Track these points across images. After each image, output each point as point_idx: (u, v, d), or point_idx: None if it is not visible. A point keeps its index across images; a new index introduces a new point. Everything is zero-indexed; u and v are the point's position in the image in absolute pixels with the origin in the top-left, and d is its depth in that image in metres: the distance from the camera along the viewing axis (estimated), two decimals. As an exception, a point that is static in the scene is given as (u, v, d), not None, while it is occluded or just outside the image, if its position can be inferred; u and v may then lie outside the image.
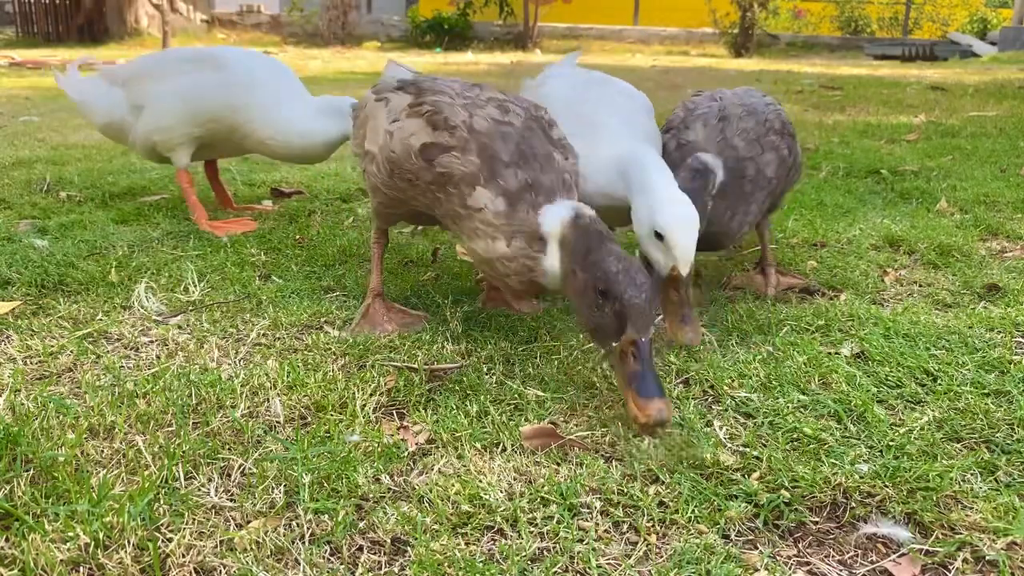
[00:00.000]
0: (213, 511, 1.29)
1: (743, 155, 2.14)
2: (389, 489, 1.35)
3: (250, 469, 1.39)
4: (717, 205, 2.05)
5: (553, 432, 1.52)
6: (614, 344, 1.51)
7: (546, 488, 1.34)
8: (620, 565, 1.19)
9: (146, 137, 2.83)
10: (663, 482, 1.37)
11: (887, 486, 1.35)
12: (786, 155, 2.23)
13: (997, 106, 6.17)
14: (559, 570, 1.17)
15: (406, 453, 1.45)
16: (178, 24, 13.62)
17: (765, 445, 1.48)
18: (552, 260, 1.66)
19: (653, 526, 1.27)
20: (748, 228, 2.16)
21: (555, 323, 2.03)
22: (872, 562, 1.22)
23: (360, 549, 1.22)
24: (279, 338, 1.94)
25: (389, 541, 1.23)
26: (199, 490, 1.33)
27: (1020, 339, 1.98)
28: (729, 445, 1.49)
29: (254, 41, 14.73)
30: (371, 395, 1.65)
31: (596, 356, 1.82)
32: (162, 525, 1.23)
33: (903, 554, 1.23)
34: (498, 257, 1.71)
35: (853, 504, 1.33)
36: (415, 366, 1.77)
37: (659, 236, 1.77)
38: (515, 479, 1.38)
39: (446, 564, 1.17)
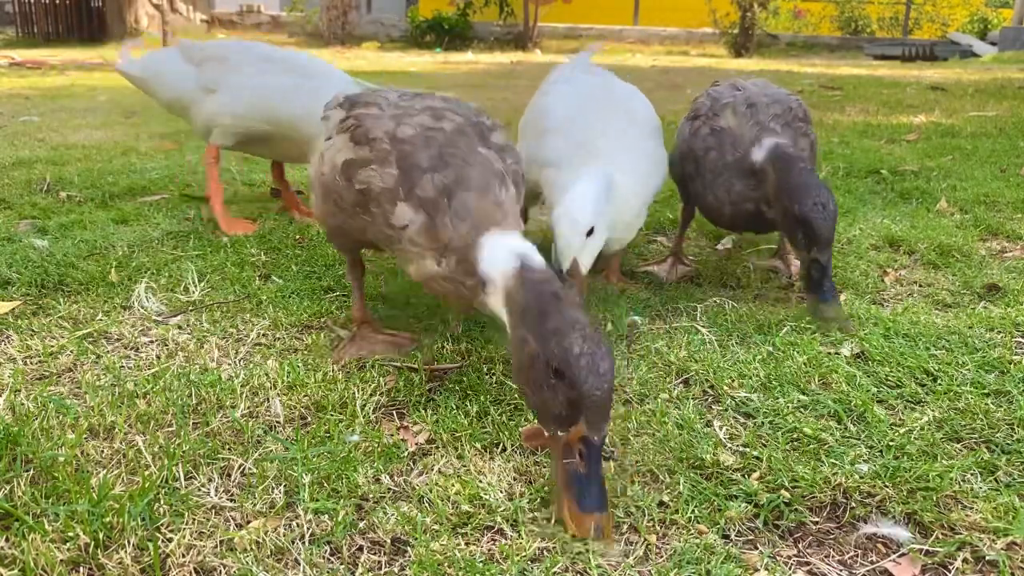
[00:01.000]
0: (213, 511, 1.29)
1: (782, 140, 2.17)
2: (389, 489, 1.35)
3: (250, 469, 1.39)
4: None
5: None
6: (559, 432, 1.26)
7: (546, 488, 1.34)
8: (620, 565, 1.19)
9: (210, 119, 2.83)
10: (663, 482, 1.37)
11: (887, 486, 1.35)
12: (814, 141, 2.29)
13: (997, 106, 6.17)
14: (559, 570, 1.17)
15: (406, 453, 1.45)
16: (178, 24, 13.62)
17: (765, 445, 1.48)
18: (496, 304, 1.46)
19: (653, 526, 1.27)
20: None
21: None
22: (872, 562, 1.22)
23: (360, 549, 1.22)
24: (279, 338, 1.94)
25: (389, 541, 1.23)
26: (199, 490, 1.33)
27: (1020, 339, 1.98)
28: (729, 445, 1.49)
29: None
30: (371, 395, 1.65)
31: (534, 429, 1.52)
32: (162, 525, 1.23)
33: (903, 554, 1.23)
34: (431, 276, 1.57)
35: (853, 504, 1.33)
36: (415, 366, 1.77)
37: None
38: (515, 479, 1.38)
39: (446, 564, 1.17)
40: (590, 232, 1.86)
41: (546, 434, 1.29)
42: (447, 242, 1.53)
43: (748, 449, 1.46)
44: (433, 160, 1.58)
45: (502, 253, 1.45)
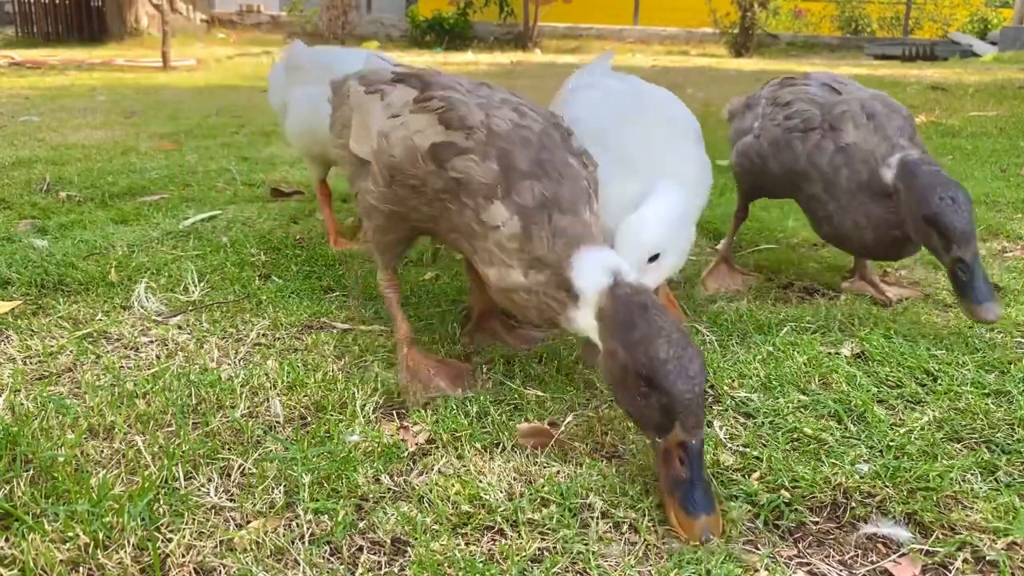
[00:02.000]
0: (213, 511, 1.29)
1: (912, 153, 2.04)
2: (389, 489, 1.35)
3: (250, 469, 1.39)
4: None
5: (549, 433, 1.52)
6: (658, 440, 1.29)
7: (546, 488, 1.34)
8: (620, 565, 1.18)
9: (287, 136, 2.69)
10: (663, 482, 1.37)
11: (887, 486, 1.35)
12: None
13: (997, 106, 6.17)
14: (559, 570, 1.17)
15: (406, 453, 1.45)
16: (178, 24, 13.62)
17: (765, 445, 1.48)
18: (586, 321, 1.44)
19: (653, 526, 1.27)
20: None
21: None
22: (872, 562, 1.22)
23: (360, 549, 1.22)
24: (279, 338, 1.94)
25: (389, 541, 1.23)
26: (199, 490, 1.33)
27: (1020, 339, 1.98)
28: (729, 445, 1.49)
29: (254, 41, 14.73)
30: (371, 395, 1.65)
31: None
32: (162, 525, 1.23)
33: (903, 554, 1.23)
34: (514, 288, 1.51)
35: (853, 504, 1.33)
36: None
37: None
38: (515, 479, 1.38)
39: (446, 564, 1.17)
40: (654, 257, 1.63)
41: (647, 442, 1.36)
42: (540, 256, 1.48)
43: (748, 449, 1.46)
44: (531, 165, 1.53)
45: (596, 270, 1.44)
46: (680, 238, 1.68)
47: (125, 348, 1.89)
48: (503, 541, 1.23)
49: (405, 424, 1.57)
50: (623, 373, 1.32)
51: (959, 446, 1.49)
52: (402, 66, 1.92)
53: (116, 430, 1.48)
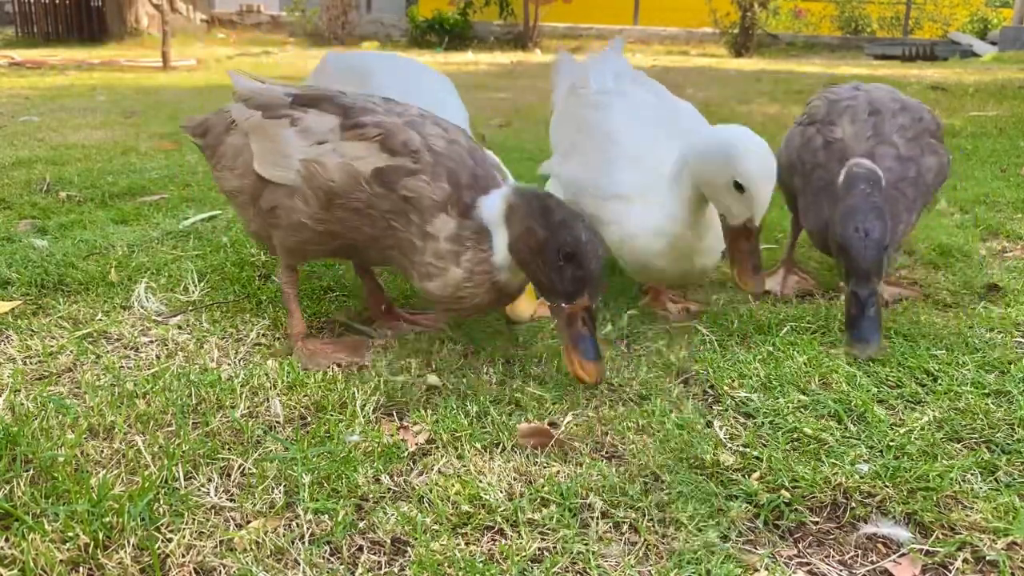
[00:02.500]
0: (213, 511, 1.29)
1: (904, 154, 1.97)
2: (389, 489, 1.35)
3: (250, 469, 1.39)
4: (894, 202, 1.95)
5: (548, 433, 1.52)
6: (564, 305, 1.59)
7: (546, 488, 1.34)
8: (620, 565, 1.18)
9: None
10: (664, 482, 1.37)
11: (887, 486, 1.35)
12: (945, 163, 2.04)
13: (997, 106, 6.17)
14: (559, 570, 1.17)
15: (406, 453, 1.45)
16: (178, 24, 13.61)
17: (765, 445, 1.48)
18: (501, 252, 1.64)
19: (653, 526, 1.27)
20: (901, 242, 2.03)
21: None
22: (872, 562, 1.22)
23: (360, 549, 1.22)
24: (279, 338, 1.94)
25: (389, 541, 1.23)
26: (199, 490, 1.33)
27: (1020, 339, 1.98)
28: (729, 445, 1.49)
29: (254, 41, 14.73)
30: (371, 395, 1.65)
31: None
32: (162, 525, 1.23)
33: (903, 554, 1.23)
34: (457, 285, 1.66)
35: (853, 504, 1.33)
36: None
37: (739, 187, 1.72)
38: (515, 479, 1.38)
39: (446, 564, 1.17)
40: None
41: (549, 306, 1.64)
42: (464, 240, 1.65)
43: (748, 449, 1.46)
44: (471, 179, 1.69)
45: (493, 196, 1.67)
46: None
47: (125, 348, 1.89)
48: (503, 541, 1.23)
49: (405, 424, 1.57)
50: (541, 248, 1.57)
51: (959, 446, 1.49)
52: (280, 84, 1.96)
53: (116, 430, 1.48)
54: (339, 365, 1.77)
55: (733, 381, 1.72)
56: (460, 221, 1.66)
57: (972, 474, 1.39)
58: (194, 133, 2.02)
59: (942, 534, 1.26)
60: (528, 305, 1.94)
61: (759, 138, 1.76)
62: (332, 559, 1.20)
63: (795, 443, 1.49)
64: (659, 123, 2.05)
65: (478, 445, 1.47)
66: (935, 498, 1.32)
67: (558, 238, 1.56)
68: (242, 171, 1.84)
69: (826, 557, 1.23)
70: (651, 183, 1.91)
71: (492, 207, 1.65)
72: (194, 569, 1.16)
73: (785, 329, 2.00)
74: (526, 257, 1.61)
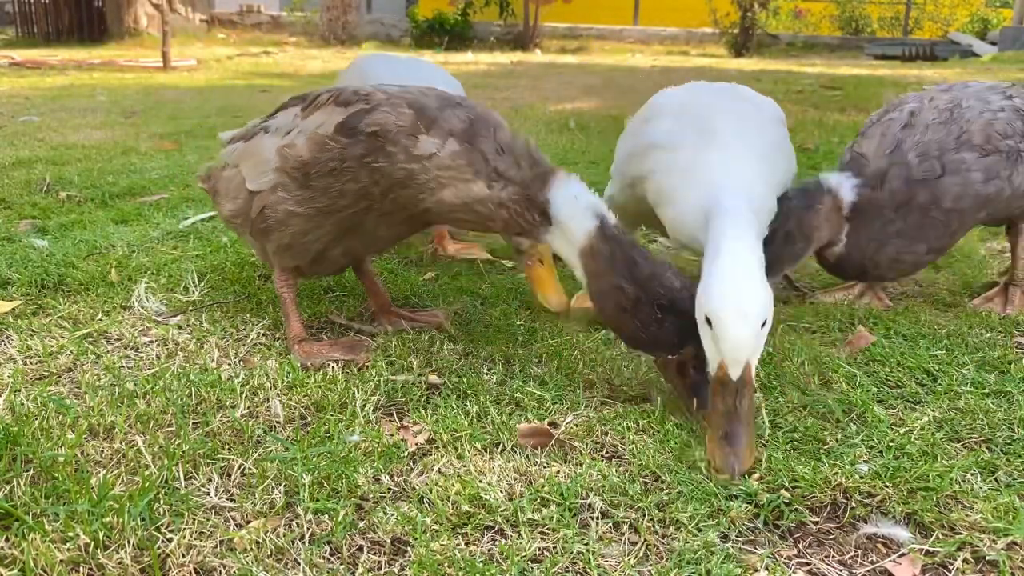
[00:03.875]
0: (213, 511, 1.29)
1: (915, 176, 1.84)
2: (389, 489, 1.35)
3: (250, 469, 1.39)
4: (857, 231, 1.89)
5: (548, 433, 1.52)
6: (670, 356, 1.57)
7: (546, 488, 1.34)
8: (620, 565, 1.18)
9: None
10: (664, 482, 1.37)
11: (887, 486, 1.35)
12: (978, 180, 1.83)
13: (997, 106, 6.16)
14: (559, 570, 1.17)
15: (406, 453, 1.45)
16: (177, 24, 13.61)
17: (765, 445, 1.48)
18: (564, 249, 1.64)
19: (653, 526, 1.27)
20: (913, 265, 1.93)
21: (556, 324, 2.03)
22: (872, 562, 1.22)
23: (360, 549, 1.22)
24: (279, 338, 1.94)
25: (389, 541, 1.23)
26: (199, 490, 1.33)
27: (1020, 339, 1.98)
28: (729, 445, 1.48)
29: (254, 41, 14.73)
30: (371, 395, 1.65)
31: (641, 362, 1.79)
32: (162, 525, 1.23)
33: (903, 554, 1.23)
34: (478, 199, 1.64)
35: (853, 504, 1.33)
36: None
37: (708, 322, 1.43)
38: (515, 479, 1.38)
39: (446, 564, 1.17)
40: (763, 325, 1.43)
41: (655, 360, 1.63)
42: (501, 171, 1.64)
43: (748, 449, 1.46)
44: (440, 103, 1.68)
45: (578, 204, 1.62)
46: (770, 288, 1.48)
47: (125, 348, 1.89)
48: (503, 541, 1.23)
49: (405, 424, 1.57)
50: (635, 305, 1.55)
51: (959, 446, 1.49)
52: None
53: (116, 430, 1.48)
54: (336, 362, 1.78)
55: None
56: (465, 143, 1.64)
57: (972, 474, 1.39)
58: (203, 183, 2.09)
59: (942, 534, 1.26)
60: (559, 297, 1.76)
61: (747, 262, 1.47)
62: (332, 559, 1.20)
63: (795, 443, 1.49)
64: (707, 89, 2.06)
65: (478, 445, 1.47)
66: (935, 498, 1.32)
67: (651, 292, 1.54)
68: (235, 194, 1.89)
69: (826, 557, 1.23)
70: (692, 129, 1.80)
71: (570, 220, 1.61)
72: (194, 569, 1.16)
73: (785, 329, 2.00)
74: (614, 316, 1.59)
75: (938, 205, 1.84)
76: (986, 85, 1.98)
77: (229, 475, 1.38)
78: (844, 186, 1.89)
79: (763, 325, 1.42)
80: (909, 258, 1.91)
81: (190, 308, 2.11)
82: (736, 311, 1.39)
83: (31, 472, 1.34)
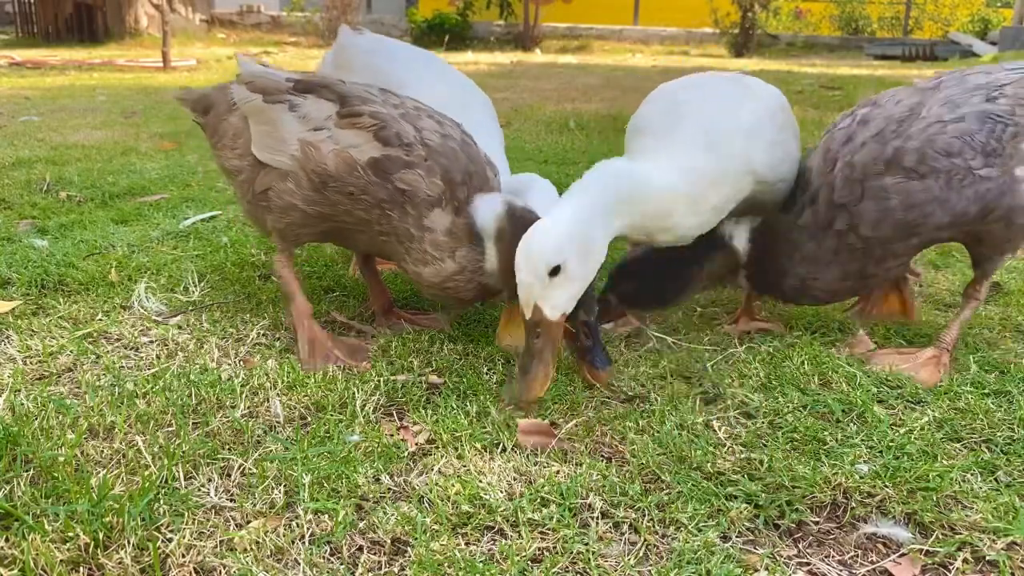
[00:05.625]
0: (213, 511, 1.29)
1: (836, 200, 1.73)
2: (389, 489, 1.35)
3: (250, 469, 1.39)
4: (761, 261, 1.83)
5: (549, 430, 1.52)
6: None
7: (546, 488, 1.34)
8: (620, 565, 1.18)
9: None
10: (664, 482, 1.37)
11: (887, 486, 1.35)
12: (897, 207, 1.67)
13: (997, 106, 6.16)
14: (559, 570, 1.17)
15: (406, 453, 1.45)
16: (178, 24, 13.61)
17: (765, 445, 1.48)
18: (491, 260, 1.73)
19: (653, 526, 1.27)
20: (827, 292, 1.82)
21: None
22: (872, 562, 1.22)
23: (360, 549, 1.22)
24: (279, 338, 1.94)
25: (389, 541, 1.23)
26: (199, 490, 1.33)
27: (1020, 339, 1.97)
28: (729, 445, 1.49)
29: (254, 41, 14.73)
30: (371, 395, 1.65)
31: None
32: (162, 525, 1.23)
33: (903, 554, 1.23)
34: (448, 276, 1.74)
35: (853, 504, 1.33)
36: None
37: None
38: (515, 479, 1.38)
39: (446, 564, 1.17)
40: (556, 271, 1.52)
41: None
42: (459, 237, 1.73)
43: (748, 449, 1.46)
44: (463, 176, 1.75)
45: (488, 205, 1.73)
46: (595, 249, 1.56)
47: (125, 348, 1.89)
48: (503, 541, 1.23)
49: (405, 424, 1.57)
50: None
51: (959, 446, 1.49)
52: (287, 72, 1.96)
53: (116, 430, 1.48)
54: (336, 365, 1.78)
55: (733, 381, 1.72)
56: (454, 218, 1.73)
57: (972, 474, 1.39)
58: (194, 108, 2.05)
59: (942, 534, 1.26)
60: (510, 339, 1.83)
61: (558, 217, 1.55)
62: (332, 559, 1.20)
63: (795, 443, 1.49)
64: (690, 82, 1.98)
65: (478, 445, 1.47)
66: (935, 498, 1.32)
67: None
68: (242, 151, 1.88)
69: (826, 557, 1.23)
70: (666, 114, 1.79)
71: (487, 217, 1.72)
72: (194, 569, 1.16)
73: (784, 329, 2.00)
74: (516, 284, 1.60)
75: (855, 231, 1.72)
76: (982, 80, 1.75)
77: (229, 475, 1.38)
78: (738, 236, 1.85)
79: (555, 273, 1.52)
80: (818, 284, 1.80)
81: (190, 308, 2.11)
82: (522, 257, 1.53)
83: (31, 472, 1.34)
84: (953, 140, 1.66)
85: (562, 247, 1.51)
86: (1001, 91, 1.72)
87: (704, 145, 1.68)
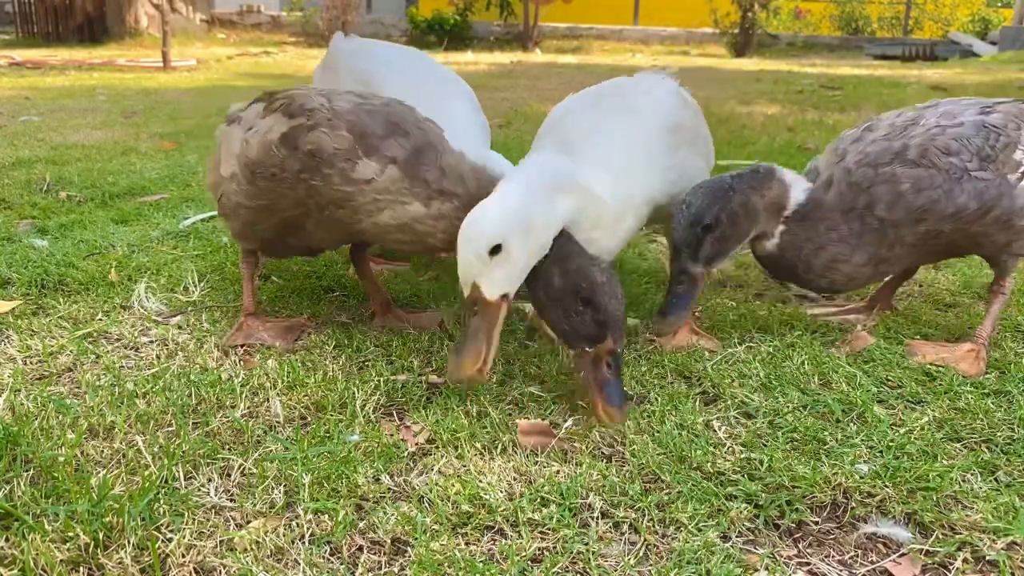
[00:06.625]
0: (213, 511, 1.29)
1: (854, 180, 1.82)
2: (389, 489, 1.35)
3: (250, 469, 1.39)
4: (795, 231, 1.83)
5: (549, 430, 1.53)
6: (587, 348, 1.55)
7: (546, 488, 1.34)
8: (620, 565, 1.19)
9: None
10: (664, 482, 1.37)
11: (887, 486, 1.35)
12: (908, 190, 1.77)
13: (997, 106, 6.16)
14: (559, 570, 1.17)
15: (406, 453, 1.45)
16: (178, 24, 13.61)
17: (765, 445, 1.48)
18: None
19: (653, 526, 1.27)
20: (847, 277, 1.85)
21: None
22: (872, 562, 1.22)
23: (360, 549, 1.22)
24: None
25: (389, 541, 1.23)
26: (199, 490, 1.33)
27: (1021, 339, 1.97)
28: (729, 445, 1.49)
29: (254, 41, 14.73)
30: (371, 395, 1.65)
31: (561, 351, 1.82)
32: (162, 525, 1.23)
33: (903, 554, 1.23)
34: (414, 218, 1.70)
35: (853, 504, 1.33)
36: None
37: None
38: (515, 479, 1.38)
39: (446, 564, 1.17)
40: (496, 250, 1.53)
41: (573, 352, 1.58)
42: (443, 188, 1.70)
43: (748, 449, 1.46)
44: (386, 128, 1.72)
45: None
46: (536, 228, 1.57)
47: (125, 348, 1.89)
48: (503, 541, 1.23)
49: (405, 424, 1.57)
50: (561, 295, 1.57)
51: (959, 446, 1.49)
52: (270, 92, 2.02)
53: (116, 430, 1.48)
54: (264, 345, 1.87)
55: (733, 381, 1.72)
56: (406, 172, 1.69)
57: (972, 474, 1.39)
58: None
59: (942, 534, 1.26)
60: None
61: (505, 193, 1.59)
62: (332, 559, 1.20)
63: (795, 443, 1.49)
64: (592, 94, 1.98)
65: (478, 445, 1.47)
66: (935, 498, 1.32)
67: (575, 284, 1.55)
68: (212, 168, 2.01)
69: (826, 557, 1.23)
70: (552, 139, 1.83)
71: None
72: (194, 569, 1.16)
73: (785, 329, 2.00)
74: (544, 303, 1.61)
75: (872, 211, 1.80)
76: (975, 101, 1.91)
77: (229, 475, 1.38)
78: (796, 185, 1.85)
79: (495, 252, 1.53)
80: (845, 267, 1.83)
81: (190, 308, 2.11)
82: (463, 236, 1.55)
83: (31, 472, 1.34)
84: (951, 142, 1.79)
85: (502, 226, 1.53)
86: (994, 108, 1.87)
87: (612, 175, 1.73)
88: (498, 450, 1.47)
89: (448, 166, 1.72)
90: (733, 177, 1.81)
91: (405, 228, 1.72)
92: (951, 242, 1.84)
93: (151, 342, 1.92)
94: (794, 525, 1.29)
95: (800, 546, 1.26)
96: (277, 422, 1.56)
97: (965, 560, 1.20)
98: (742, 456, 1.44)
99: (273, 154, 1.74)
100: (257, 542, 1.20)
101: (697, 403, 1.64)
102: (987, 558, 1.21)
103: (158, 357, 1.83)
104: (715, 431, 1.53)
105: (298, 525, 1.25)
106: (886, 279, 2.10)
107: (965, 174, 1.76)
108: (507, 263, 1.55)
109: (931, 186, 1.76)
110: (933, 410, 1.60)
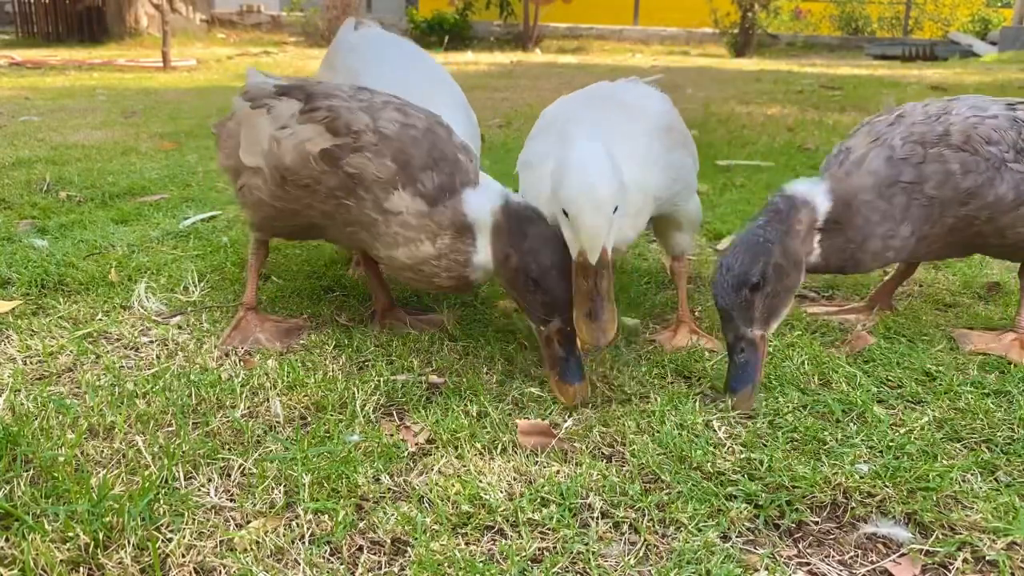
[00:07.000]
0: (213, 511, 1.29)
1: (898, 155, 1.81)
2: (389, 489, 1.35)
3: (250, 469, 1.39)
4: (833, 236, 1.78)
5: (549, 430, 1.53)
6: (542, 328, 1.62)
7: (546, 488, 1.34)
8: (620, 565, 1.18)
9: None
10: (664, 482, 1.37)
11: (887, 486, 1.35)
12: (957, 171, 1.78)
13: (997, 106, 6.16)
14: (559, 570, 1.17)
15: (406, 453, 1.45)
16: (178, 24, 13.61)
17: (765, 445, 1.48)
18: (483, 255, 1.68)
19: (653, 526, 1.27)
20: (892, 253, 1.82)
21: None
22: (872, 562, 1.22)
23: (360, 549, 1.22)
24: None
25: (389, 541, 1.23)
26: (199, 490, 1.33)
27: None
28: (729, 445, 1.49)
29: (254, 41, 14.73)
30: (371, 395, 1.65)
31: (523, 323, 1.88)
32: (162, 525, 1.23)
33: (903, 554, 1.23)
34: (424, 260, 1.70)
35: (853, 504, 1.33)
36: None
37: (565, 212, 1.53)
38: (515, 479, 1.38)
39: (446, 564, 1.17)
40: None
41: (534, 328, 1.65)
42: (439, 222, 1.69)
43: (748, 449, 1.46)
44: (426, 159, 1.71)
45: (484, 197, 1.68)
46: (623, 186, 1.56)
47: (125, 348, 1.89)
48: (503, 541, 1.23)
49: (405, 424, 1.57)
50: (515, 274, 1.62)
51: (959, 446, 1.49)
52: (284, 79, 2.04)
53: (116, 430, 1.48)
54: (258, 346, 1.87)
55: (733, 381, 1.72)
56: (430, 205, 1.68)
57: (972, 474, 1.39)
58: (215, 128, 2.15)
59: (942, 534, 1.26)
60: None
61: (597, 156, 1.56)
62: (332, 559, 1.20)
63: (795, 443, 1.49)
64: (590, 96, 2.03)
65: (478, 445, 1.47)
66: (935, 498, 1.32)
67: (526, 264, 1.60)
68: (229, 152, 1.97)
69: (826, 557, 1.23)
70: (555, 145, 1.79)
71: (480, 210, 1.67)
72: (194, 569, 1.16)
73: (785, 329, 2.00)
74: (505, 283, 1.67)
75: (921, 188, 1.78)
76: (992, 100, 1.92)
77: (229, 475, 1.38)
78: (817, 196, 1.78)
79: (615, 211, 1.52)
80: (895, 242, 1.81)
81: (190, 308, 2.11)
82: (589, 201, 1.50)
83: (31, 472, 1.34)
84: (992, 131, 1.82)
85: (618, 185, 1.54)
86: (1018, 106, 1.90)
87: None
88: (498, 450, 1.47)
89: (457, 201, 1.70)
90: (762, 227, 1.71)
91: (415, 269, 1.73)
92: (978, 233, 1.85)
93: (151, 342, 1.92)
94: (794, 525, 1.29)
95: (800, 546, 1.26)
96: (277, 422, 1.56)
97: (965, 560, 1.20)
98: (742, 456, 1.44)
99: (311, 167, 1.72)
100: (257, 542, 1.20)
101: (697, 403, 1.64)
102: (987, 558, 1.20)
103: (158, 357, 1.83)
104: (715, 431, 1.53)
105: (298, 525, 1.25)
106: (888, 277, 2.09)
107: (1003, 164, 1.80)
108: (623, 217, 1.58)
109: (976, 170, 1.79)
110: (933, 410, 1.60)
